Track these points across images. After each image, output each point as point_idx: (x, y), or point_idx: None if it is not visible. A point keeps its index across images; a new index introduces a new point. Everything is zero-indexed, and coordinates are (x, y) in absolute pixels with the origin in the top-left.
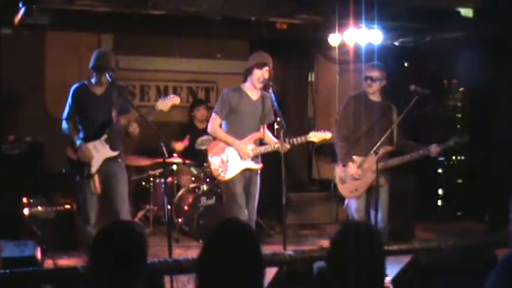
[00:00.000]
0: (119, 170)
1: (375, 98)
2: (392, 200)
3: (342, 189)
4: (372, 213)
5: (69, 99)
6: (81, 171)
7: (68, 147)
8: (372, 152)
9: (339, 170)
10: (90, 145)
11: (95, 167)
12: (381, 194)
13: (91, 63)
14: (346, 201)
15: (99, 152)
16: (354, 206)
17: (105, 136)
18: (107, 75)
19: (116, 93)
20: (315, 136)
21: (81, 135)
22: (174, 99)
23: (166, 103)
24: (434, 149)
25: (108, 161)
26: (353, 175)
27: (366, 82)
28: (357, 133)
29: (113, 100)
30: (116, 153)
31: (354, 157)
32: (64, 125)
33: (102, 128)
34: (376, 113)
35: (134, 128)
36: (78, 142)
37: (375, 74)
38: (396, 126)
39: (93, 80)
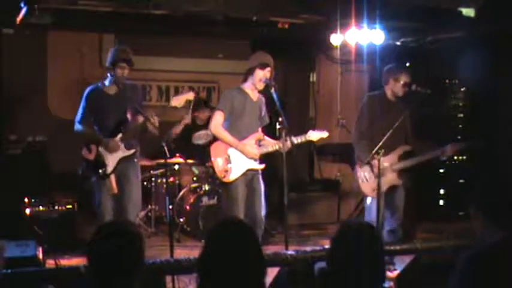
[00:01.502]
0: (132, 171)
1: (393, 98)
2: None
3: (365, 187)
4: (386, 212)
5: (83, 102)
6: (97, 172)
7: (84, 148)
8: (373, 152)
9: (361, 169)
10: None
11: (110, 166)
12: (397, 194)
13: (109, 60)
14: (369, 201)
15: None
16: (375, 207)
17: (119, 135)
18: (109, 74)
19: (130, 92)
20: (313, 135)
21: None
22: (188, 95)
23: (180, 99)
24: (450, 148)
25: (123, 160)
26: (375, 170)
27: (402, 87)
28: (376, 133)
29: (126, 99)
30: (130, 152)
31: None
32: (77, 126)
33: (116, 127)
34: (394, 113)
35: (155, 121)
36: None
37: (409, 80)
38: (409, 127)
39: (106, 82)
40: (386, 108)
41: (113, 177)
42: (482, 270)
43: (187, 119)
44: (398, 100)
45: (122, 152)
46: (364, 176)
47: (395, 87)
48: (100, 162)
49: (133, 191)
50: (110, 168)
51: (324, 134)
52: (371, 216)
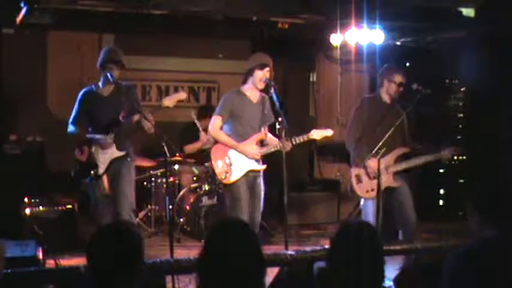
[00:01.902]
0: (125, 170)
1: (388, 100)
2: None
3: (358, 189)
4: (402, 213)
5: (76, 104)
6: (90, 172)
7: (76, 150)
8: (373, 152)
9: (355, 170)
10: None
11: (102, 167)
12: (404, 195)
13: (99, 62)
14: (362, 202)
15: (106, 152)
16: (370, 208)
17: (112, 135)
18: (109, 74)
19: (125, 93)
20: (316, 134)
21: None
22: (179, 95)
23: (172, 99)
24: (446, 155)
25: (115, 161)
26: (374, 172)
27: (397, 87)
28: (372, 135)
29: (121, 100)
30: (122, 153)
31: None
32: (70, 128)
33: (108, 128)
34: (390, 115)
35: (150, 120)
36: (100, 138)
37: (404, 79)
38: (407, 128)
39: (100, 83)
40: (382, 110)
41: (105, 178)
42: (473, 266)
43: (204, 141)
44: (394, 102)
45: (114, 153)
46: (356, 177)
47: (389, 88)
48: (92, 164)
49: (126, 187)
50: (101, 170)
51: (328, 132)
52: (367, 217)
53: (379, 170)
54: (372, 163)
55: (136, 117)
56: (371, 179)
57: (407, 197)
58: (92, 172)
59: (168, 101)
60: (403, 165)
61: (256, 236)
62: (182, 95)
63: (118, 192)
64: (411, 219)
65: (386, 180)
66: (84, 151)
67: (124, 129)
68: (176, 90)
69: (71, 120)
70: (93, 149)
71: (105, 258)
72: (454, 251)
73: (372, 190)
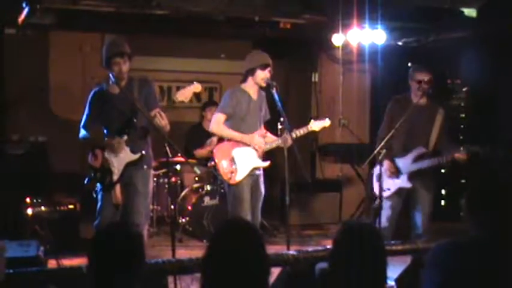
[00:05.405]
0: (140, 180)
1: (421, 100)
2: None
3: (377, 187)
4: (413, 215)
5: (87, 106)
6: (104, 180)
7: (90, 155)
8: (375, 152)
9: (376, 168)
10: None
11: (116, 174)
12: (420, 198)
13: (103, 61)
14: (376, 202)
15: (119, 156)
16: (384, 206)
17: (124, 137)
18: (111, 75)
19: (138, 87)
20: (315, 125)
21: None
22: (194, 87)
23: (186, 93)
24: (459, 156)
25: (130, 166)
26: (387, 171)
27: (418, 85)
28: (398, 134)
29: (133, 96)
30: (136, 156)
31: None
32: (82, 132)
33: (121, 128)
34: (419, 115)
35: (162, 118)
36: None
37: (428, 77)
38: (439, 129)
39: (110, 81)
40: (408, 109)
41: (118, 186)
42: (458, 260)
43: (213, 145)
44: (427, 102)
45: (128, 157)
46: (377, 175)
47: (413, 87)
48: (106, 169)
49: (140, 203)
50: (115, 176)
51: (326, 123)
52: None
53: (380, 171)
54: (387, 164)
55: (153, 112)
56: (388, 178)
57: (422, 198)
58: (107, 179)
59: (182, 96)
60: (417, 166)
61: (261, 236)
62: (197, 88)
63: (131, 210)
64: (421, 221)
65: (400, 181)
66: (98, 156)
67: (139, 129)
68: (178, 90)
69: (82, 123)
70: (107, 153)
71: (106, 259)
72: (442, 243)
73: (388, 189)
